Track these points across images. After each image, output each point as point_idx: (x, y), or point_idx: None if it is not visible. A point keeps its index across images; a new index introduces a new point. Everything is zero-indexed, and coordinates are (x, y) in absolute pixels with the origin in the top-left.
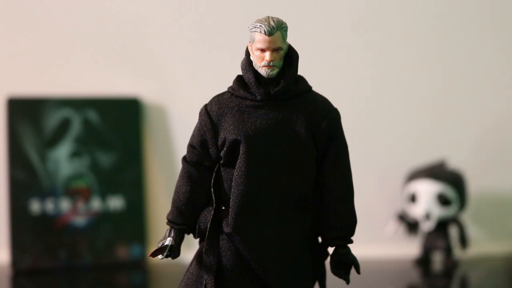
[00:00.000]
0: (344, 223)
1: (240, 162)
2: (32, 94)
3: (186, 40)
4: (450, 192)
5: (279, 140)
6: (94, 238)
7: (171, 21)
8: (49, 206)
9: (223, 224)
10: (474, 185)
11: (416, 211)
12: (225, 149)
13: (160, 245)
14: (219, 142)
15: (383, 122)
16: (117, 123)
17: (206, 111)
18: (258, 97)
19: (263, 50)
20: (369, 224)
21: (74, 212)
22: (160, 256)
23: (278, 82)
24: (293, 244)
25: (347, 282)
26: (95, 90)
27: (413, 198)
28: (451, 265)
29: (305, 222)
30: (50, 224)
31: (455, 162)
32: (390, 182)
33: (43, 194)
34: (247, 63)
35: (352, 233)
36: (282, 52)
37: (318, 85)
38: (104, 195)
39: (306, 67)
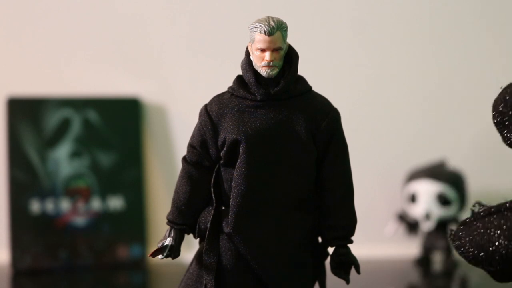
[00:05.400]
0: (344, 223)
1: (240, 162)
2: (32, 94)
3: (186, 40)
4: (450, 192)
5: (279, 140)
6: (94, 238)
7: (171, 21)
8: (49, 206)
9: (223, 224)
10: (474, 185)
11: (416, 211)
12: (225, 149)
13: (160, 245)
14: (219, 142)
15: (383, 122)
16: (117, 123)
17: (206, 111)
18: (258, 97)
19: (263, 50)
20: (369, 224)
21: (74, 212)
22: (160, 256)
23: (278, 82)
24: (293, 244)
25: (347, 282)
26: (95, 90)
27: (413, 198)
28: (451, 265)
29: (305, 222)
30: (50, 224)
31: (455, 162)
32: (390, 182)
33: (43, 194)
34: (247, 63)
35: (352, 233)
36: (282, 52)
37: (318, 85)
38: (104, 195)
39: (306, 67)
